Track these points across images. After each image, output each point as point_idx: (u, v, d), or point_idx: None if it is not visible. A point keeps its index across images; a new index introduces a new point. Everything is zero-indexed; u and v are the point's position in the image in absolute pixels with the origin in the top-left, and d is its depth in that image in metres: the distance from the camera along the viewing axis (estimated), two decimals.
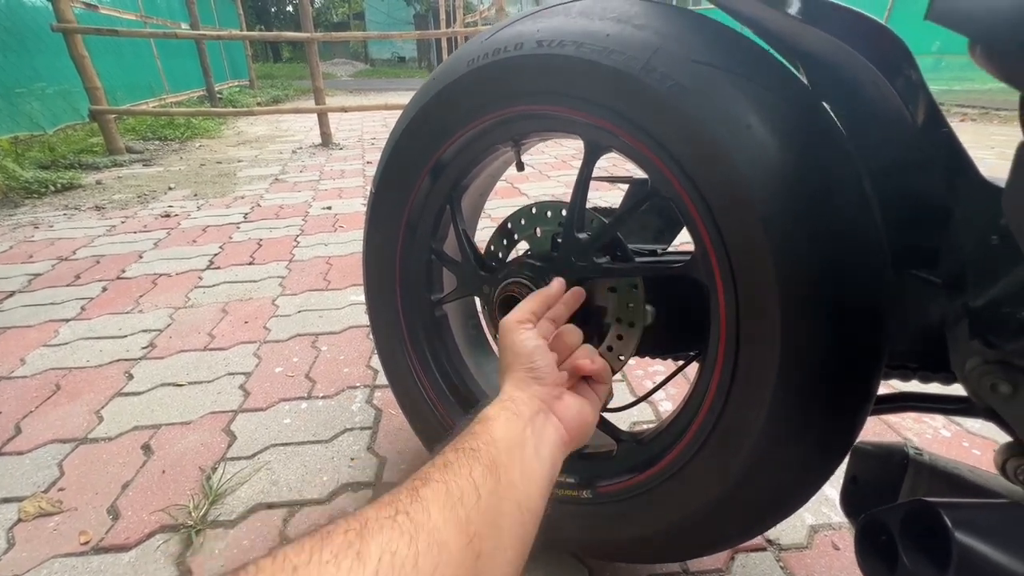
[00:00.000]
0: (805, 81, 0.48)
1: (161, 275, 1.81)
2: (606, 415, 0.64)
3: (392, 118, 5.33)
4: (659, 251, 0.64)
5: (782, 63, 0.47)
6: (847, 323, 0.44)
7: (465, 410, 0.75)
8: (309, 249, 2.02)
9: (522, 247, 0.65)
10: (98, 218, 2.52)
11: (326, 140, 4.45)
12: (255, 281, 1.74)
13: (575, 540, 0.67)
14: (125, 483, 0.89)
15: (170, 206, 2.70)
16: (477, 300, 0.67)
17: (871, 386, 0.47)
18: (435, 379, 0.77)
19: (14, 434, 1.02)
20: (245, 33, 8.17)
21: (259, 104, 7.21)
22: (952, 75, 5.90)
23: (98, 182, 3.24)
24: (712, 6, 0.50)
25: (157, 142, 4.64)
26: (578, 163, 0.57)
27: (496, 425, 0.38)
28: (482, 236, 0.68)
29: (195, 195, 2.92)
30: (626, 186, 0.69)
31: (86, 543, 0.77)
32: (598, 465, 0.64)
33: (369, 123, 5.85)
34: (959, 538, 0.30)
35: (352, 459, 0.93)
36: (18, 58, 4.15)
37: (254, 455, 0.95)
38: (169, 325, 1.45)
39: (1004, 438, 0.43)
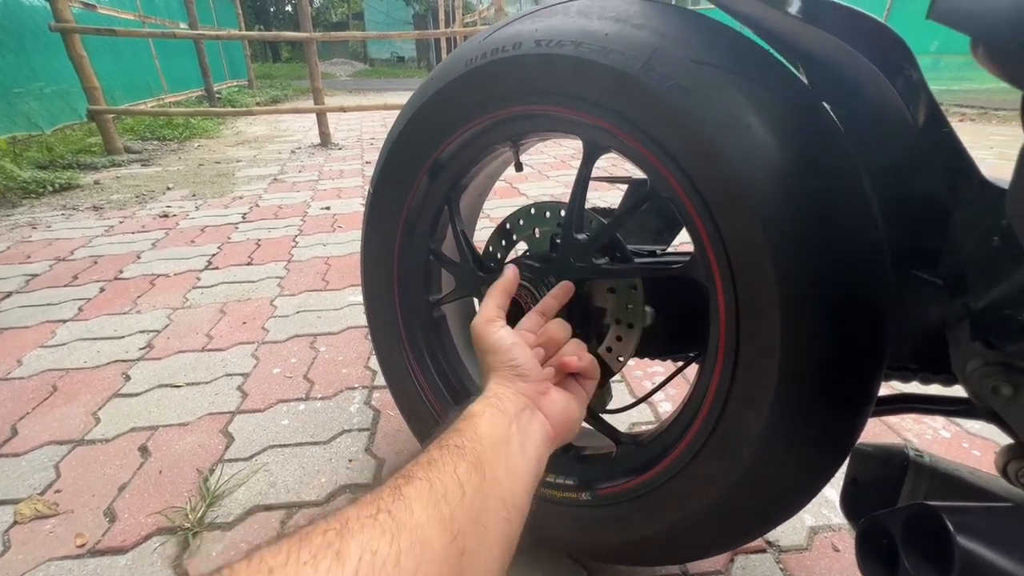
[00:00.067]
0: (805, 81, 0.47)
1: (159, 276, 1.80)
2: (605, 416, 0.64)
3: (391, 118, 5.32)
4: (658, 252, 0.63)
5: (782, 63, 0.47)
6: (847, 323, 0.44)
7: None
8: (308, 249, 2.02)
9: (521, 248, 0.64)
10: (96, 218, 2.51)
11: (325, 140, 4.44)
12: (253, 282, 1.73)
13: (574, 542, 0.67)
14: (122, 485, 0.88)
15: (168, 206, 2.70)
16: (476, 301, 0.67)
17: (872, 387, 0.46)
18: (433, 380, 0.77)
19: (10, 435, 1.01)
20: (244, 33, 8.16)
21: (258, 104, 7.20)
22: (951, 75, 5.90)
23: (96, 182, 3.23)
24: (711, 5, 0.49)
25: (155, 142, 4.63)
26: (577, 163, 0.56)
27: (481, 422, 0.38)
28: (481, 236, 0.68)
29: (193, 195, 2.91)
30: (625, 186, 0.69)
31: (82, 546, 0.77)
32: (597, 467, 0.63)
33: (368, 123, 5.84)
34: (961, 542, 0.30)
35: (350, 460, 0.93)
36: (16, 58, 4.14)
37: (252, 456, 0.94)
38: (167, 326, 1.44)
39: (1004, 440, 0.43)
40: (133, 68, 6.21)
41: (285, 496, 0.85)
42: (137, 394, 1.13)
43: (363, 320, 1.41)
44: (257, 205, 2.69)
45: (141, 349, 1.32)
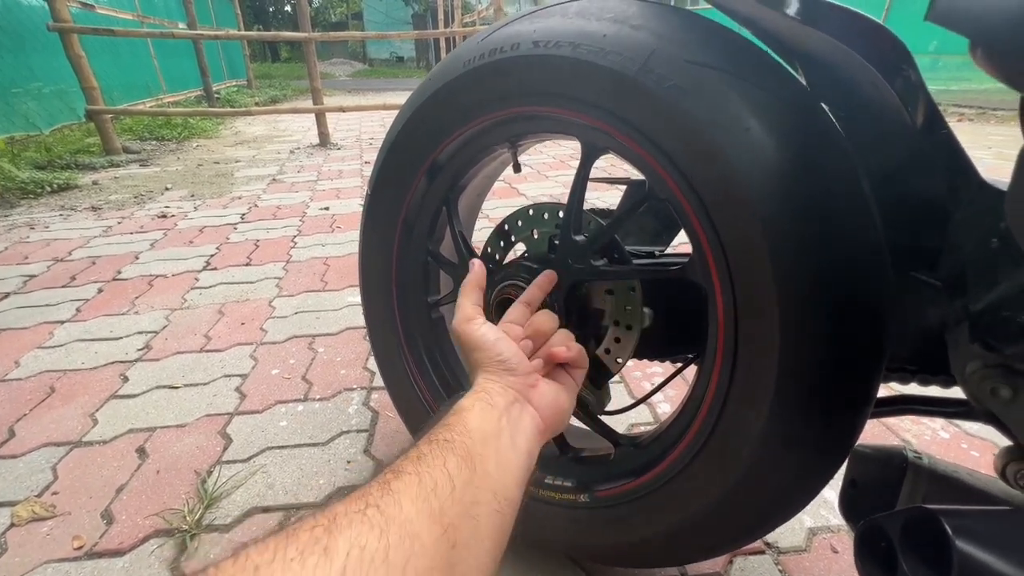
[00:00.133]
0: (803, 82, 0.47)
1: (157, 276, 1.80)
2: (604, 418, 0.63)
3: (390, 118, 5.32)
4: (657, 253, 0.63)
5: (780, 64, 0.47)
6: (846, 324, 0.44)
7: None
8: (306, 250, 2.02)
9: (520, 249, 0.64)
10: (94, 219, 2.51)
11: (324, 140, 4.44)
12: (252, 282, 1.73)
13: (573, 544, 0.67)
14: (119, 487, 0.88)
15: (167, 207, 2.69)
16: None
17: (870, 388, 0.46)
18: (431, 381, 0.77)
19: (7, 437, 1.01)
20: (243, 33, 8.16)
21: (257, 104, 7.19)
22: (949, 75, 5.91)
23: (94, 182, 3.22)
24: (710, 6, 0.49)
25: (154, 142, 4.62)
26: (576, 163, 0.56)
27: (470, 416, 0.37)
28: (480, 236, 0.68)
29: (192, 195, 2.91)
30: (623, 187, 0.69)
31: (79, 548, 0.77)
32: (596, 469, 0.63)
33: (367, 123, 5.84)
34: (960, 546, 0.30)
35: (348, 462, 0.93)
36: (14, 58, 4.13)
37: (250, 458, 0.94)
38: (165, 327, 1.44)
39: (1003, 441, 0.43)
40: (131, 68, 6.20)
41: (283, 498, 0.85)
42: (135, 395, 1.13)
43: (362, 321, 1.40)
44: (256, 205, 2.68)
45: (139, 350, 1.32)
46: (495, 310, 0.59)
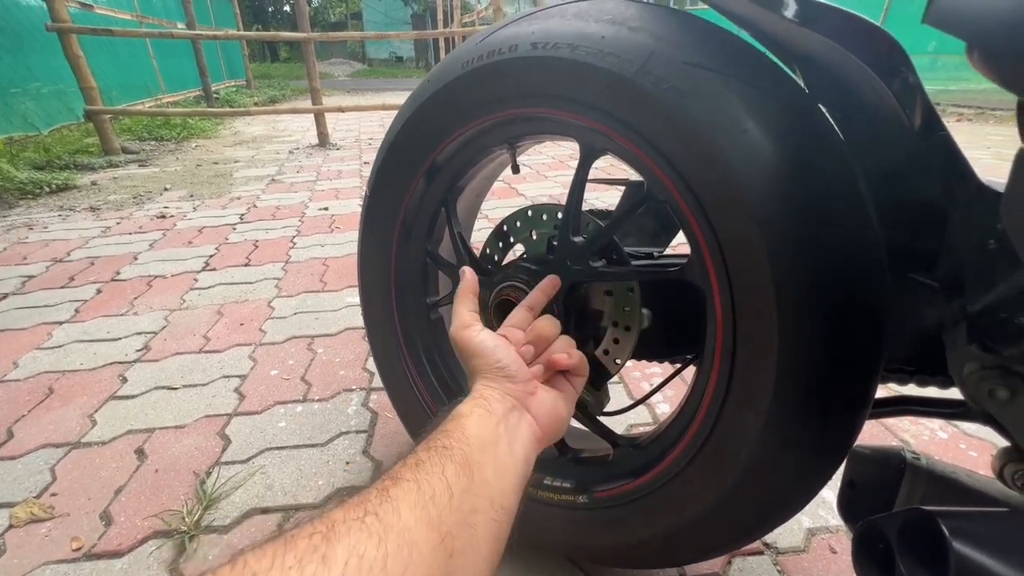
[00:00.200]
0: (801, 83, 0.47)
1: (156, 277, 1.80)
2: (603, 419, 0.64)
3: (389, 118, 5.32)
4: (655, 254, 0.63)
5: (778, 65, 0.47)
6: (844, 325, 0.44)
7: None
8: (305, 250, 2.01)
9: (519, 250, 0.64)
10: (93, 219, 2.51)
11: (323, 140, 4.44)
12: (251, 283, 1.73)
13: (571, 545, 0.67)
14: (118, 488, 0.88)
15: (166, 207, 2.69)
16: None
17: (869, 389, 0.46)
18: (430, 382, 0.77)
19: (6, 438, 1.01)
20: (242, 33, 8.15)
21: (256, 104, 7.19)
22: (948, 75, 5.92)
23: (93, 183, 3.22)
24: (708, 8, 0.49)
25: (153, 142, 4.62)
26: (575, 164, 0.56)
27: (469, 422, 0.37)
28: (479, 237, 0.68)
29: (191, 196, 2.90)
30: (622, 188, 0.69)
31: (78, 549, 0.77)
32: (595, 470, 0.63)
33: (366, 123, 5.84)
34: (956, 547, 0.30)
35: (347, 463, 0.93)
36: (12, 58, 4.13)
37: (249, 459, 0.94)
38: (164, 327, 1.44)
39: (1002, 442, 0.43)
40: (130, 68, 6.20)
41: (282, 499, 0.85)
42: (134, 396, 1.13)
43: (361, 322, 1.41)
44: (255, 206, 2.68)
45: (138, 351, 1.32)
46: (494, 311, 0.60)
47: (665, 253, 0.65)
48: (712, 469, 0.51)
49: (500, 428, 0.38)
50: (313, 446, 0.97)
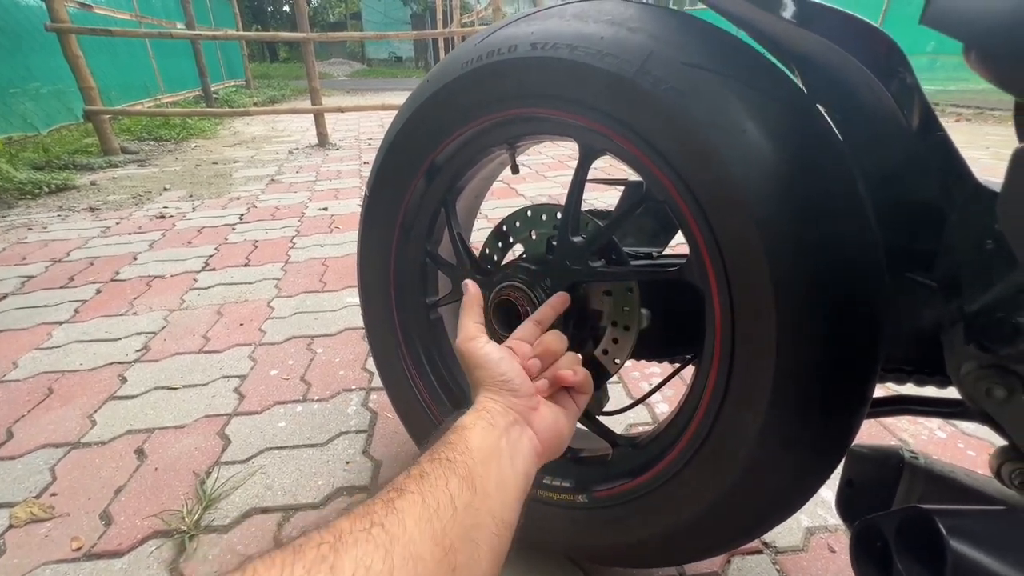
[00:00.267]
0: (800, 84, 0.47)
1: (156, 277, 1.80)
2: (602, 419, 0.64)
3: (389, 118, 5.32)
4: (654, 254, 0.63)
5: (777, 66, 0.47)
6: (843, 325, 0.44)
7: None
8: (305, 250, 2.02)
9: (519, 250, 0.64)
10: (92, 219, 2.51)
11: (322, 140, 4.44)
12: (250, 283, 1.73)
13: (571, 544, 0.67)
14: (118, 488, 0.88)
15: (165, 207, 2.69)
16: None
17: (867, 389, 0.46)
18: (430, 382, 0.77)
19: (6, 439, 1.01)
20: (241, 33, 8.15)
21: (255, 104, 7.19)
22: (947, 75, 5.92)
23: (93, 183, 3.22)
24: (706, 9, 0.49)
25: (152, 142, 4.62)
26: (574, 164, 0.56)
27: (472, 435, 0.37)
28: (478, 237, 0.68)
29: (190, 196, 2.90)
30: (621, 188, 0.69)
31: (78, 549, 0.77)
32: (594, 469, 0.64)
33: (366, 123, 5.84)
34: (954, 545, 0.30)
35: (347, 463, 0.93)
36: (12, 58, 4.12)
37: (248, 459, 0.94)
38: (164, 327, 1.44)
39: (1000, 441, 0.43)
40: (130, 68, 6.19)
41: (282, 499, 0.85)
42: (133, 396, 1.13)
43: (360, 322, 1.41)
44: (254, 206, 2.68)
45: (138, 351, 1.32)
46: (494, 311, 0.60)
47: (664, 253, 0.65)
48: (711, 469, 0.51)
49: (502, 442, 0.38)
50: (313, 446, 0.97)
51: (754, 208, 0.43)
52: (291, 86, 10.81)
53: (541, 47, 0.52)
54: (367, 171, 3.30)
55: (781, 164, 0.43)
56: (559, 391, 0.48)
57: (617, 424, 0.97)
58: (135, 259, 1.98)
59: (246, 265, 1.89)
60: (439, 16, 10.68)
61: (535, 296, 0.56)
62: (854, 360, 0.45)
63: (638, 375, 1.16)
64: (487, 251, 0.66)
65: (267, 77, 13.32)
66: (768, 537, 0.76)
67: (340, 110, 4.65)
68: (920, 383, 0.50)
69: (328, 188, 3.01)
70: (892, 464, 0.48)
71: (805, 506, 0.53)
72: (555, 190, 2.81)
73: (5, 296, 1.68)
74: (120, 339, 1.38)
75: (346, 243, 2.07)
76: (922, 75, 0.37)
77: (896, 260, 0.45)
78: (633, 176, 0.58)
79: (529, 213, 0.62)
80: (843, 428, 0.48)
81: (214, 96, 7.32)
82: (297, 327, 1.41)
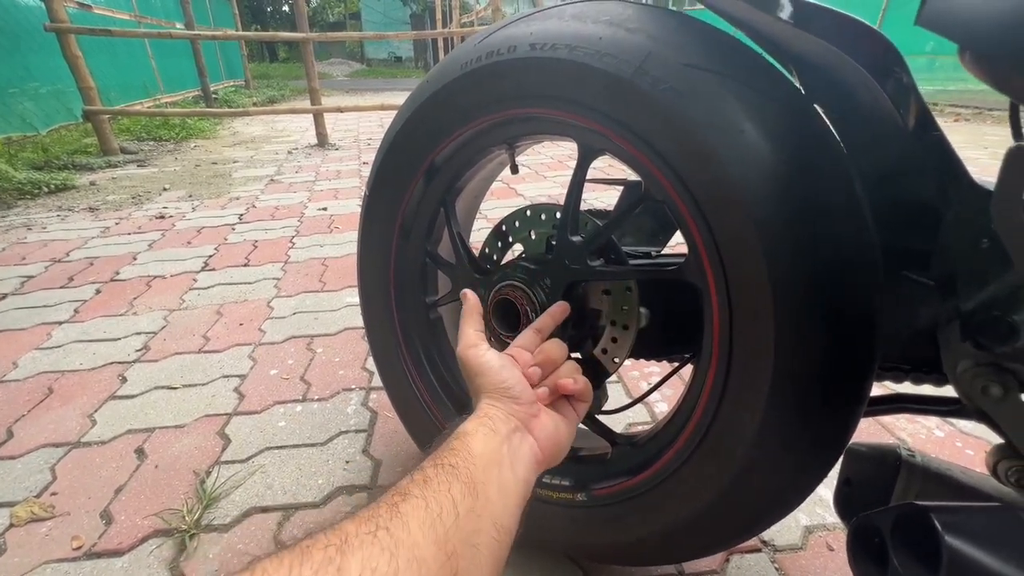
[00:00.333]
0: (797, 84, 0.48)
1: (155, 277, 1.80)
2: (601, 418, 0.64)
3: (388, 118, 5.31)
4: (653, 254, 0.64)
5: (775, 66, 0.47)
6: (840, 324, 0.44)
7: (459, 413, 0.75)
8: (305, 250, 2.02)
9: (518, 250, 0.65)
10: (92, 219, 2.51)
11: (322, 140, 4.44)
12: (250, 283, 1.73)
13: (570, 542, 0.67)
14: (118, 487, 0.88)
15: (165, 207, 2.69)
16: None
17: (864, 387, 0.47)
18: (430, 382, 0.77)
19: (6, 438, 1.01)
20: (240, 33, 8.15)
21: (255, 104, 7.19)
22: (946, 75, 5.93)
23: (92, 183, 3.22)
24: (705, 9, 0.50)
25: (152, 143, 4.62)
26: (574, 163, 0.57)
27: (474, 441, 0.38)
28: (478, 237, 0.68)
29: (190, 196, 2.90)
30: (620, 188, 0.69)
31: (78, 548, 0.77)
32: (593, 468, 0.64)
33: (365, 123, 5.84)
34: (949, 541, 0.30)
35: (347, 462, 0.93)
36: (11, 58, 4.12)
37: (248, 458, 0.94)
38: (163, 327, 1.44)
39: (996, 439, 0.44)
40: (129, 68, 6.19)
41: (282, 498, 0.85)
42: (133, 396, 1.13)
43: (360, 321, 1.41)
44: (254, 206, 2.68)
45: (137, 351, 1.32)
46: (493, 311, 0.60)
47: (663, 252, 0.65)
48: (709, 467, 0.52)
49: (504, 448, 0.39)
50: (313, 445, 0.97)
51: (752, 208, 0.43)
52: (290, 86, 10.81)
53: (540, 48, 0.52)
54: (366, 171, 3.30)
55: (779, 164, 0.43)
56: (559, 399, 0.48)
57: (616, 423, 0.97)
58: (135, 259, 1.98)
59: (246, 265, 1.89)
60: (438, 16, 10.68)
61: (534, 295, 0.57)
62: (851, 359, 0.46)
63: (637, 375, 1.16)
64: (487, 251, 0.66)
65: (266, 77, 13.31)
66: (767, 536, 0.76)
67: (339, 110, 4.65)
68: (917, 381, 0.50)
69: (327, 188, 3.01)
70: (890, 462, 0.49)
71: (803, 505, 0.53)
72: (554, 190, 2.81)
73: (5, 296, 1.68)
74: (120, 339, 1.38)
75: (346, 243, 2.07)
76: (921, 75, 0.37)
77: (893, 259, 0.45)
78: (632, 176, 0.58)
79: (528, 213, 0.62)
80: (841, 426, 0.48)
81: (213, 96, 7.32)
82: (297, 327, 1.42)
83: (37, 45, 4.26)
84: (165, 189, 3.07)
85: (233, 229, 2.31)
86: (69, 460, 0.95)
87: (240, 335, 1.38)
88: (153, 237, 2.23)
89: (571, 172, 0.57)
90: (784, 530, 0.77)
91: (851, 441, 0.50)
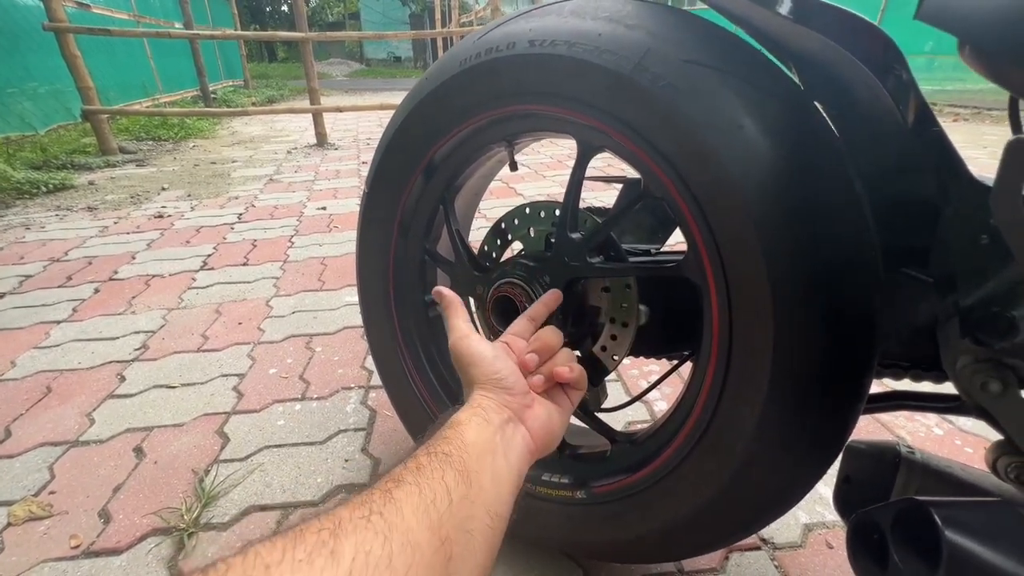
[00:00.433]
0: (797, 81, 0.48)
1: (154, 276, 1.80)
2: (601, 415, 0.64)
3: (387, 118, 5.30)
4: (652, 251, 0.64)
5: (774, 63, 0.47)
6: (839, 321, 0.44)
7: None
8: (304, 250, 2.01)
9: (517, 248, 0.65)
10: (90, 219, 2.50)
11: (321, 140, 4.43)
12: (249, 282, 1.73)
13: (570, 540, 0.67)
14: (117, 486, 0.88)
15: (163, 207, 2.69)
16: (472, 301, 0.67)
17: (863, 384, 0.47)
18: (429, 380, 0.77)
19: (4, 437, 1.01)
20: (239, 33, 8.14)
21: (254, 104, 7.18)
22: (945, 75, 5.94)
23: (91, 183, 3.21)
24: (704, 6, 0.50)
25: (151, 142, 4.61)
26: (573, 162, 0.57)
27: (467, 430, 0.38)
28: (477, 236, 0.68)
29: (189, 195, 2.90)
30: (619, 185, 0.69)
31: (77, 547, 0.77)
32: (593, 465, 0.64)
33: (364, 123, 5.83)
34: (949, 537, 0.30)
35: (346, 460, 0.93)
36: (9, 57, 4.11)
37: (247, 457, 0.94)
38: (162, 326, 1.44)
39: (996, 436, 0.43)
40: (128, 68, 6.18)
41: (281, 496, 0.85)
42: (132, 395, 1.13)
43: (359, 320, 1.41)
44: (253, 205, 2.68)
45: (136, 350, 1.32)
46: (492, 308, 0.60)
47: (662, 250, 0.65)
48: (708, 464, 0.51)
49: (497, 438, 0.39)
50: (311, 444, 0.97)
51: (751, 205, 0.43)
52: (289, 86, 10.80)
53: (539, 44, 0.52)
54: (365, 170, 3.29)
55: (778, 161, 0.43)
56: (554, 387, 0.48)
57: (616, 421, 0.97)
58: (133, 258, 1.98)
59: (245, 264, 1.89)
60: (437, 16, 10.68)
61: (533, 292, 0.56)
62: (851, 356, 0.46)
63: (636, 373, 1.16)
64: (486, 248, 0.66)
65: (265, 77, 13.29)
66: (766, 533, 0.76)
67: (339, 110, 4.65)
68: (916, 378, 0.50)
69: (327, 187, 3.01)
70: (889, 459, 0.49)
71: (803, 502, 0.53)
72: (554, 189, 2.81)
73: (3, 295, 1.68)
74: (118, 338, 1.38)
75: (345, 242, 2.07)
76: (920, 75, 0.37)
77: (892, 256, 0.45)
78: (631, 173, 0.58)
79: (528, 210, 0.62)
80: (840, 423, 0.48)
81: (212, 96, 7.31)
82: (296, 326, 1.41)
83: (36, 44, 4.25)
84: (164, 189, 3.06)
85: (232, 228, 2.31)
86: (67, 459, 0.95)
87: (239, 334, 1.38)
88: (152, 236, 2.23)
89: (570, 171, 0.57)
90: (783, 528, 0.77)
91: (850, 438, 0.50)
